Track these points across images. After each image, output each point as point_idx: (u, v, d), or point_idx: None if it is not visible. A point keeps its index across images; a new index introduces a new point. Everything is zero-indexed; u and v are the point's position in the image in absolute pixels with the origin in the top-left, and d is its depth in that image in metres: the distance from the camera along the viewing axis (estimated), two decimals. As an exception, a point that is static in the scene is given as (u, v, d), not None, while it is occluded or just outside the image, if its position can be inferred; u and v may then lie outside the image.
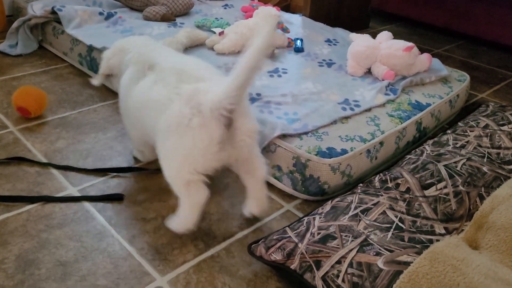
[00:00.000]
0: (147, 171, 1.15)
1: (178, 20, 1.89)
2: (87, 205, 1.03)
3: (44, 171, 1.12)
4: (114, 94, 1.53)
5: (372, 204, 0.94)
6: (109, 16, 1.80)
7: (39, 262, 0.87)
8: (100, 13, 1.79)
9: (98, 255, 0.90)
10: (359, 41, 1.55)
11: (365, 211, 0.92)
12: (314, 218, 0.92)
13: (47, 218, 0.97)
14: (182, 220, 0.92)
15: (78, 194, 1.06)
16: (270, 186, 1.16)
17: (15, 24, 1.73)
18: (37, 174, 1.10)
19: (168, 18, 1.87)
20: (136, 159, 1.19)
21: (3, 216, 0.97)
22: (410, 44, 1.49)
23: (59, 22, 1.72)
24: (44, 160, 1.16)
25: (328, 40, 1.83)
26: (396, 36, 2.02)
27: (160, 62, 0.98)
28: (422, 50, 1.48)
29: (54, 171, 1.12)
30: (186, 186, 0.87)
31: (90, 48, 1.60)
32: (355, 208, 0.93)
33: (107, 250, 0.91)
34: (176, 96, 0.87)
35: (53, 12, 1.73)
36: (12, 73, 1.60)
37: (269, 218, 1.05)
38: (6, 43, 1.75)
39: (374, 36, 1.63)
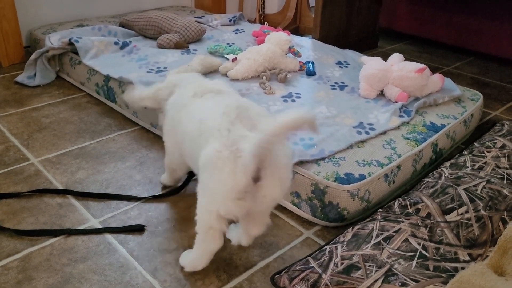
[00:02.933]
0: (163, 196, 1.16)
1: (191, 47, 1.92)
2: (109, 237, 1.04)
3: (66, 203, 1.13)
4: (131, 123, 1.55)
5: (394, 232, 0.94)
6: (124, 45, 1.84)
7: (65, 297, 0.87)
8: (116, 43, 1.83)
9: (122, 288, 0.90)
10: (371, 64, 1.57)
11: (388, 239, 0.92)
12: (336, 247, 0.92)
13: (70, 251, 0.98)
14: (193, 261, 0.94)
15: (99, 226, 1.07)
16: (289, 212, 1.16)
17: (33, 56, 1.77)
18: (59, 207, 1.12)
19: (182, 45, 1.90)
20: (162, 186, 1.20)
21: (27, 251, 0.98)
22: (422, 65, 1.50)
23: (76, 53, 1.76)
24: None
25: (339, 62, 1.85)
26: (405, 54, 2.04)
27: (227, 92, 1.02)
28: (432, 68, 1.49)
29: (76, 203, 1.14)
30: (207, 231, 0.88)
31: (107, 78, 1.63)
32: (377, 236, 0.93)
33: (131, 283, 0.92)
34: (225, 132, 0.84)
35: (70, 43, 1.77)
36: (31, 104, 1.64)
37: (290, 246, 1.05)
38: (25, 75, 1.79)
39: (384, 55, 1.65)
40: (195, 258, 0.93)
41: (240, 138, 0.82)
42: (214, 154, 0.82)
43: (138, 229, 1.06)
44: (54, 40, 1.80)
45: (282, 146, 0.85)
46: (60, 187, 1.20)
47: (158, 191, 1.20)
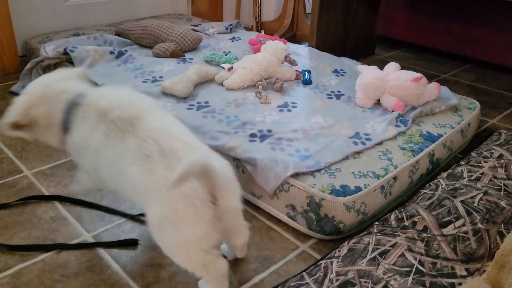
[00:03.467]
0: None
1: (187, 55, 1.92)
2: (101, 251, 1.02)
3: (58, 217, 1.12)
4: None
5: (390, 246, 0.93)
6: (119, 54, 1.83)
7: (56, 315, 0.86)
8: (111, 52, 1.82)
9: (114, 305, 0.89)
10: (367, 73, 1.56)
11: (383, 254, 0.91)
12: (331, 262, 0.90)
13: (62, 267, 0.97)
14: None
15: (92, 240, 1.05)
16: (284, 225, 1.15)
17: (28, 66, 1.76)
18: (52, 221, 1.11)
19: (178, 54, 1.89)
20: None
21: (19, 267, 0.96)
22: (419, 74, 1.50)
23: (72, 63, 1.75)
24: (58, 206, 1.16)
25: (336, 71, 1.84)
26: (402, 61, 2.03)
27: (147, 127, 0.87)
28: (429, 76, 1.48)
29: (69, 216, 1.13)
30: (204, 269, 0.85)
31: (102, 88, 1.62)
32: (373, 250, 0.92)
33: (123, 300, 0.90)
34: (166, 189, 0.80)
35: (65, 53, 1.76)
36: (25, 115, 1.62)
37: (285, 260, 1.04)
38: (20, 84, 1.78)
39: (381, 62, 1.65)
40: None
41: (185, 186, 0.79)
42: (172, 212, 0.80)
43: (131, 244, 1.04)
44: (49, 50, 1.79)
45: (215, 160, 0.85)
46: (52, 200, 1.18)
47: (153, 204, 1.19)
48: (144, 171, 0.83)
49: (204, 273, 0.86)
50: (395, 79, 1.51)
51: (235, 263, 1.01)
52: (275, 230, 1.13)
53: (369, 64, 1.80)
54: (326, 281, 0.85)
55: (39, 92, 0.95)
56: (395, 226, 1.01)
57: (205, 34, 2.22)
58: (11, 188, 1.21)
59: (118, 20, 2.42)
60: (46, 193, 1.21)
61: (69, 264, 0.98)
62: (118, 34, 2.08)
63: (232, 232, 0.91)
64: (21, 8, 2.05)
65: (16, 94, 1.77)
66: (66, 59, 1.80)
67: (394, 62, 1.60)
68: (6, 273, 0.95)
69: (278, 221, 1.16)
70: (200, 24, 2.31)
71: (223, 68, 1.76)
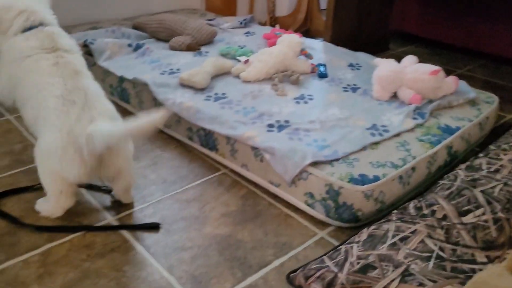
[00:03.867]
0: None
1: (203, 49, 1.94)
2: (125, 234, 1.05)
3: (83, 200, 1.15)
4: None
5: (409, 232, 0.94)
6: (137, 47, 1.85)
7: (83, 293, 0.89)
8: (129, 45, 1.84)
9: (140, 284, 0.91)
10: (384, 66, 1.57)
11: (403, 240, 0.92)
12: (351, 247, 0.92)
13: (89, 247, 1.00)
14: (50, 211, 1.07)
15: (116, 223, 1.08)
16: (302, 213, 1.16)
17: (48, 57, 1.79)
18: (77, 204, 1.13)
19: (193, 47, 1.92)
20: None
21: (47, 246, 0.99)
22: (437, 67, 1.50)
23: (91, 55, 1.78)
24: (82, 190, 1.19)
25: (351, 65, 1.85)
26: (416, 56, 2.02)
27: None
28: (444, 71, 1.49)
29: (93, 200, 1.15)
30: (58, 195, 1.03)
31: (121, 79, 1.65)
32: (393, 236, 0.93)
33: (148, 279, 0.92)
34: (65, 118, 0.98)
35: (85, 45, 1.79)
36: (46, 104, 1.65)
37: (304, 246, 1.05)
38: (40, 75, 1.81)
39: (395, 57, 1.65)
40: (51, 209, 1.07)
41: (76, 126, 0.98)
42: (58, 142, 0.97)
43: (153, 227, 1.07)
44: (69, 42, 1.81)
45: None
46: (76, 185, 1.21)
47: (172, 191, 1.21)
48: (62, 108, 1.00)
49: (55, 197, 1.04)
50: (412, 72, 1.52)
51: (254, 248, 1.03)
52: (293, 218, 1.15)
53: (385, 58, 1.81)
54: (347, 264, 0.87)
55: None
56: (414, 214, 1.02)
57: (220, 28, 2.24)
58: (36, 174, 1.24)
59: (133, 14, 2.44)
60: (69, 178, 1.24)
61: (95, 245, 1.00)
62: (135, 27, 2.10)
63: (118, 178, 1.07)
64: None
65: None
66: (85, 51, 1.83)
67: (411, 55, 1.61)
68: (36, 251, 0.98)
69: (296, 209, 1.18)
70: (214, 19, 2.33)
71: (239, 61, 1.77)
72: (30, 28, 1.11)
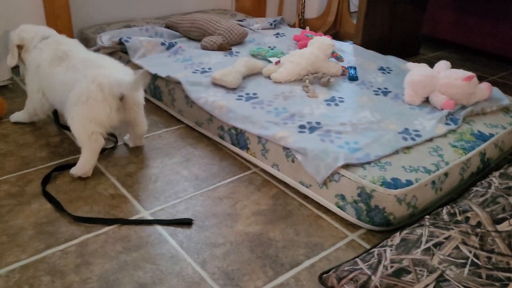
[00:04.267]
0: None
1: (234, 49, 1.96)
2: (159, 228, 1.07)
3: (118, 194, 1.18)
4: (176, 121, 1.59)
5: (443, 238, 0.94)
6: (170, 46, 1.89)
7: (120, 283, 0.91)
8: (162, 44, 1.88)
9: (173, 278, 0.93)
10: (417, 70, 1.56)
11: (438, 245, 0.92)
12: (385, 250, 0.92)
13: (124, 240, 1.02)
14: (84, 163, 1.22)
15: (150, 218, 1.10)
16: (333, 214, 1.17)
17: (84, 54, 1.84)
18: (112, 197, 1.16)
19: (225, 47, 1.94)
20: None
21: (84, 237, 1.02)
22: (470, 73, 1.49)
23: (125, 52, 1.82)
24: (117, 184, 1.22)
25: (382, 68, 1.84)
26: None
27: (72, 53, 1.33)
28: (476, 77, 1.48)
29: (127, 194, 1.18)
30: (89, 136, 1.20)
31: (154, 77, 1.68)
32: (427, 241, 0.93)
33: (181, 274, 0.94)
34: (84, 78, 1.21)
35: (120, 43, 1.83)
36: (81, 100, 1.70)
37: (335, 247, 1.06)
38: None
39: (425, 62, 1.64)
40: (84, 161, 1.22)
41: (97, 76, 1.21)
42: (86, 90, 1.19)
43: (186, 223, 1.09)
44: (105, 40, 1.86)
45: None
46: (112, 179, 1.24)
47: (204, 188, 1.23)
48: (72, 74, 1.25)
49: (87, 142, 1.21)
50: (446, 77, 1.50)
51: (285, 247, 1.04)
52: (324, 219, 1.15)
53: (417, 63, 1.80)
54: (381, 267, 0.87)
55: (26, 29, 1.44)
56: (448, 220, 1.01)
57: (250, 29, 2.26)
58: (72, 167, 1.28)
59: (165, 13, 2.48)
60: (106, 172, 1.27)
61: (130, 238, 1.03)
62: (167, 26, 2.14)
63: (133, 124, 1.32)
64: (78, 0, 2.15)
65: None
66: (120, 49, 1.87)
67: (444, 61, 1.59)
68: (74, 242, 1.01)
69: (327, 210, 1.18)
70: (245, 20, 2.35)
71: (270, 62, 1.79)
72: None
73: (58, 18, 1.96)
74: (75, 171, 1.23)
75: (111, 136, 1.43)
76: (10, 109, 1.57)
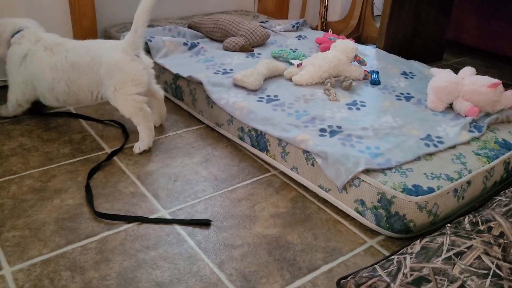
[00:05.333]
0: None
1: (256, 50, 1.96)
2: (177, 227, 1.08)
3: (138, 193, 1.19)
4: (197, 121, 1.60)
5: (465, 248, 0.92)
6: (192, 46, 1.90)
7: (138, 281, 0.92)
8: (185, 44, 1.89)
9: (191, 278, 0.94)
10: (441, 76, 1.54)
11: (459, 255, 0.90)
12: (404, 258, 0.91)
13: (143, 238, 1.03)
14: (147, 137, 1.37)
15: (169, 217, 1.11)
16: (351, 219, 1.16)
17: (108, 52, 1.87)
18: (132, 195, 1.18)
19: (247, 48, 1.94)
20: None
21: (104, 234, 1.04)
22: (496, 80, 1.46)
23: (148, 51, 1.84)
24: (137, 183, 1.23)
25: (404, 73, 1.82)
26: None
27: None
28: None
29: (147, 193, 1.19)
30: (140, 111, 1.35)
31: (176, 77, 1.70)
32: (448, 250, 0.91)
33: (199, 274, 0.95)
34: (106, 52, 1.37)
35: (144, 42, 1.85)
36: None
37: (353, 253, 1.05)
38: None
39: (449, 68, 1.62)
40: (147, 135, 1.37)
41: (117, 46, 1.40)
42: (119, 59, 1.35)
43: (204, 223, 1.09)
44: (128, 38, 1.88)
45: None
46: (132, 177, 1.26)
47: (223, 188, 1.24)
48: (86, 55, 1.39)
49: (139, 114, 1.35)
50: (470, 84, 1.48)
51: (303, 251, 1.03)
52: (342, 224, 1.14)
53: (441, 69, 1.77)
54: (400, 275, 0.86)
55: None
56: (470, 229, 0.99)
57: (272, 31, 2.26)
58: (94, 163, 1.30)
59: (188, 14, 2.50)
60: (126, 170, 1.28)
61: (149, 236, 1.04)
62: (190, 27, 2.15)
63: (157, 105, 1.49)
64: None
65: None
66: (144, 48, 1.89)
67: (469, 67, 1.56)
68: (94, 238, 1.02)
69: (345, 215, 1.17)
70: (267, 21, 2.35)
71: (292, 64, 1.78)
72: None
73: (84, 16, 1.99)
74: (140, 146, 1.37)
75: (123, 132, 1.48)
76: (35, 105, 1.60)
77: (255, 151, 1.41)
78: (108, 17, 2.21)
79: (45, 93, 1.41)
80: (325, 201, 1.22)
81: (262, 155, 1.39)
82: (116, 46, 1.38)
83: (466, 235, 0.96)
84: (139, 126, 1.37)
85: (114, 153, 1.35)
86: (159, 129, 1.53)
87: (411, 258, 0.90)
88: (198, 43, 1.95)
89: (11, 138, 1.40)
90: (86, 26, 2.00)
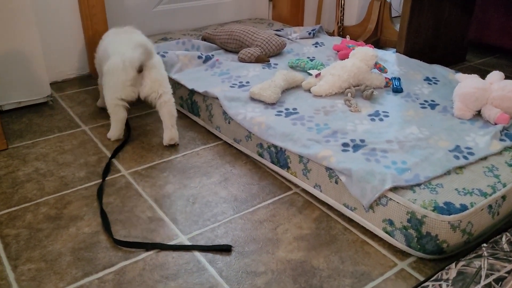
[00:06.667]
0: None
1: (272, 60, 1.92)
2: (197, 254, 1.04)
3: (155, 217, 1.16)
4: (214, 137, 1.56)
5: (505, 272, 0.85)
6: (207, 59, 1.87)
7: (158, 315, 0.88)
8: (199, 57, 1.86)
9: (213, 311, 0.89)
10: (468, 82, 1.46)
11: (499, 281, 0.83)
12: (440, 285, 0.84)
13: (162, 268, 0.99)
14: (113, 131, 1.50)
15: (188, 243, 1.07)
16: (380, 240, 1.10)
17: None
18: (149, 221, 1.14)
19: (262, 59, 1.90)
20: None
21: (122, 264, 1.00)
22: (528, 85, 1.38)
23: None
24: (155, 206, 1.20)
25: (427, 79, 1.75)
26: (496, 69, 1.89)
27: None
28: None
29: (165, 217, 1.15)
30: (114, 107, 1.44)
31: (192, 92, 1.66)
32: (487, 276, 0.85)
33: (221, 305, 0.90)
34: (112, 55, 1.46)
35: (157, 57, 1.82)
36: (120, 116, 1.70)
37: (383, 277, 0.99)
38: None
39: (472, 69, 1.55)
40: (113, 129, 1.50)
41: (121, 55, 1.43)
42: (113, 64, 1.42)
43: (225, 249, 1.05)
44: (143, 54, 1.86)
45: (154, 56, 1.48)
46: (149, 200, 1.22)
47: (244, 210, 1.19)
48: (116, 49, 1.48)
49: (113, 112, 1.46)
50: (499, 89, 1.40)
51: (330, 276, 0.98)
52: (370, 245, 1.08)
53: (460, 71, 1.69)
54: (437, 307, 0.79)
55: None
56: (508, 250, 0.92)
57: (288, 39, 2.21)
58: (111, 187, 1.27)
59: (202, 24, 2.48)
60: (143, 193, 1.25)
61: (168, 265, 1.00)
62: (204, 39, 2.12)
63: (159, 98, 1.45)
64: (116, 12, 2.16)
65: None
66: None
67: (498, 71, 1.49)
68: (111, 269, 0.99)
69: (373, 236, 1.11)
70: (282, 29, 2.30)
71: (310, 74, 1.73)
72: None
73: (97, 33, 1.98)
74: (109, 136, 1.52)
75: (127, 131, 1.56)
76: (49, 127, 1.59)
77: (276, 168, 1.36)
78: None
79: None
80: (350, 220, 1.16)
81: (283, 172, 1.34)
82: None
83: (505, 257, 0.89)
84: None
85: (114, 154, 1.43)
86: (176, 147, 1.49)
87: (447, 285, 0.84)
88: (212, 55, 1.92)
89: (26, 163, 1.38)
90: (98, 40, 1.99)
